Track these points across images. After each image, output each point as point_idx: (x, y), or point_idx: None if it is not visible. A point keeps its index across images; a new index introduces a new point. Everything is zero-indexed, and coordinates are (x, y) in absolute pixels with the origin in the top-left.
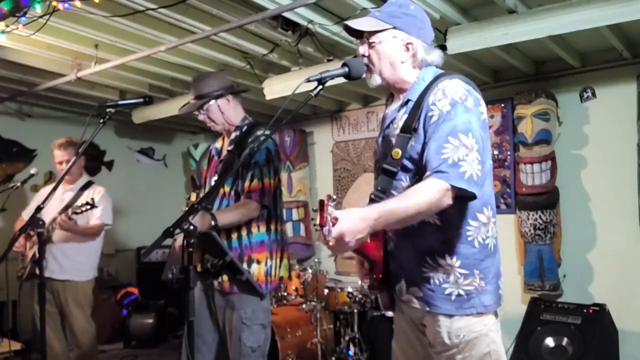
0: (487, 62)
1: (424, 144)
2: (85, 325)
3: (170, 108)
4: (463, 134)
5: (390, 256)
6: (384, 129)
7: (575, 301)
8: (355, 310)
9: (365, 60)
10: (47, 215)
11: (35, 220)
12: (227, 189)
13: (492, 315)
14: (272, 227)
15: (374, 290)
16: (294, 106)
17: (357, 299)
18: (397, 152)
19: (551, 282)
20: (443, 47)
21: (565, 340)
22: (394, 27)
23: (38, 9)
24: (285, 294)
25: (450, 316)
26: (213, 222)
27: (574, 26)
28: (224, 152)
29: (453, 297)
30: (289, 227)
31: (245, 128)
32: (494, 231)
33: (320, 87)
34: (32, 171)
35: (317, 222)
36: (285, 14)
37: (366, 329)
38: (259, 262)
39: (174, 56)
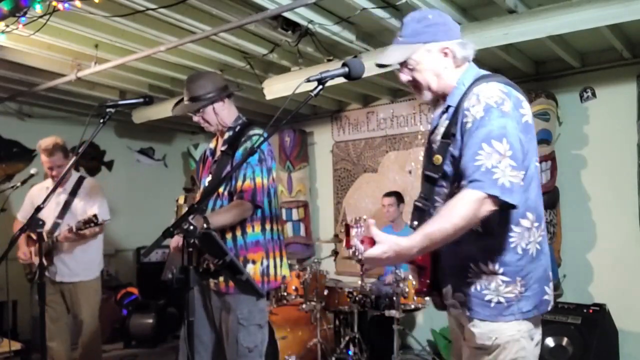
0: (487, 62)
1: (461, 151)
2: (92, 325)
3: (170, 108)
4: (496, 140)
5: (437, 260)
6: (429, 136)
7: (575, 301)
8: (355, 310)
9: (412, 83)
10: (45, 219)
11: (35, 221)
12: (220, 189)
13: (530, 322)
14: (267, 226)
15: (423, 295)
16: (294, 106)
17: (357, 299)
18: (437, 159)
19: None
20: None
21: (565, 340)
22: (424, 43)
23: (38, 9)
24: (285, 294)
25: (486, 320)
26: (205, 225)
27: (574, 26)
28: (218, 153)
29: (492, 304)
30: (289, 227)
31: (238, 128)
32: (537, 235)
33: (320, 87)
34: (32, 171)
35: (344, 244)
36: (285, 14)
37: (366, 329)
38: (254, 262)
39: (174, 56)
